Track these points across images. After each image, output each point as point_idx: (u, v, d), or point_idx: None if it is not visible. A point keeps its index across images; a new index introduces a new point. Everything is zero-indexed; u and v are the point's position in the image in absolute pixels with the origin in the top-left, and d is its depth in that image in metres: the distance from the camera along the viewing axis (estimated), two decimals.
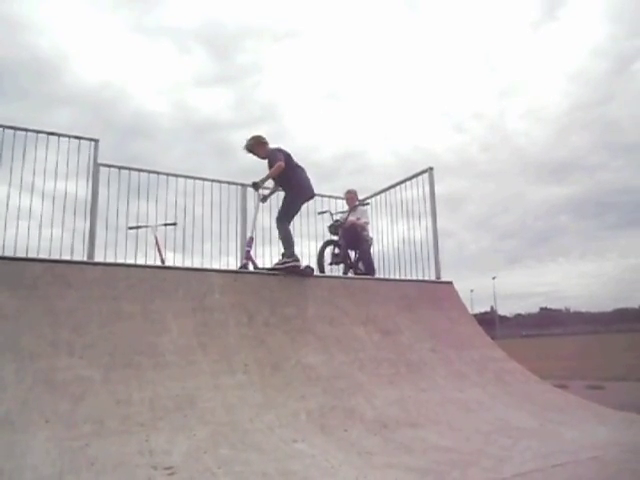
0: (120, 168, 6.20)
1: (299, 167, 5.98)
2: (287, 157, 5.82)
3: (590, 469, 2.96)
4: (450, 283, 6.76)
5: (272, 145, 5.98)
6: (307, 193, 5.97)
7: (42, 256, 4.94)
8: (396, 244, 7.39)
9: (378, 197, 7.80)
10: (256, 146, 5.95)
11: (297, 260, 5.56)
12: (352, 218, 7.07)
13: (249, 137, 5.98)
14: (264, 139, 5.98)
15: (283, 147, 5.95)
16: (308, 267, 5.71)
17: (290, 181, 5.87)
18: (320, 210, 7.35)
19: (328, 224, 7.23)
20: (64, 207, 5.61)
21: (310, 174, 6.05)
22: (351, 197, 7.39)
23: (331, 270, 6.96)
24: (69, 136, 5.76)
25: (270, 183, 6.02)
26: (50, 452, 2.80)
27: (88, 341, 3.86)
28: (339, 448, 3.30)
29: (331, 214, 7.31)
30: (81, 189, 5.80)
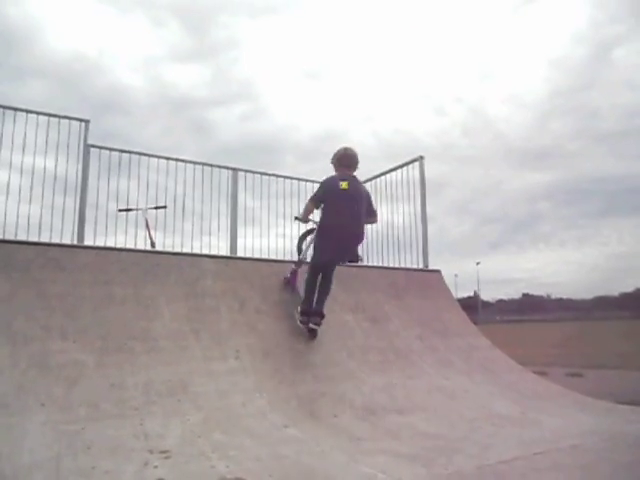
0: (111, 150, 6.15)
1: (337, 202, 4.64)
2: (329, 192, 4.69)
3: (570, 457, 3.07)
4: (438, 272, 6.85)
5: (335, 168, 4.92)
6: (332, 240, 4.64)
7: (33, 239, 4.93)
8: (384, 230, 7.45)
9: (366, 184, 7.85)
10: (333, 165, 4.97)
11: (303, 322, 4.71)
12: None
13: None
14: (333, 159, 4.93)
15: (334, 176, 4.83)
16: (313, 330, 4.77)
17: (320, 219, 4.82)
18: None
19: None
20: (54, 189, 5.57)
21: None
22: None
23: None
24: (59, 116, 5.69)
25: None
26: (46, 435, 2.85)
27: (81, 325, 3.88)
28: (329, 433, 3.39)
29: None
30: (62, 168, 5.72)
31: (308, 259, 5.43)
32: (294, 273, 5.26)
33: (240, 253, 6.41)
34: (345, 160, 4.87)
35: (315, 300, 4.72)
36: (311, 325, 4.68)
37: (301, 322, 4.72)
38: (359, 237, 4.83)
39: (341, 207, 4.61)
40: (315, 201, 4.78)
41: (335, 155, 4.93)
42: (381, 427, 3.61)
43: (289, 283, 5.27)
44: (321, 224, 4.76)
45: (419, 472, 2.71)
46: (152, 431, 3.08)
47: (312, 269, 4.79)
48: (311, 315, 4.67)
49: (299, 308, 4.77)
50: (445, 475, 2.67)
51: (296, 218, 5.12)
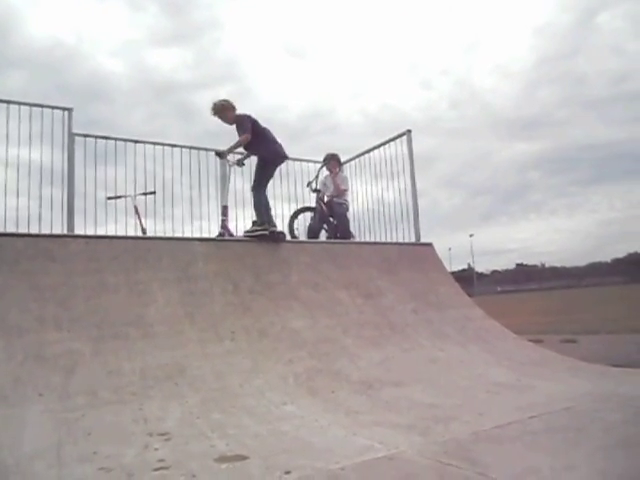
0: (96, 137, 6.09)
1: (267, 132, 5.94)
2: (254, 124, 5.81)
3: (564, 419, 3.13)
4: (430, 245, 6.89)
5: (239, 111, 5.90)
6: (277, 158, 6.00)
7: (22, 230, 4.90)
8: (375, 206, 7.46)
9: (354, 160, 7.85)
10: (223, 111, 5.89)
11: (266, 229, 5.62)
12: (332, 187, 7.13)
13: (216, 101, 5.92)
14: (231, 104, 5.92)
15: (250, 113, 5.91)
16: (281, 233, 5.81)
17: (259, 148, 5.90)
18: (308, 180, 7.34)
19: (312, 187, 7.23)
20: (41, 179, 5.54)
21: (278, 135, 6.05)
22: (333, 165, 7.32)
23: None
24: (41, 105, 5.62)
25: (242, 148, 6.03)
26: (46, 424, 2.87)
27: (75, 315, 3.89)
28: (327, 409, 3.43)
29: (316, 178, 7.29)
30: (47, 158, 5.66)
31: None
32: (225, 225, 5.93)
33: None
34: (232, 104, 5.92)
35: (266, 219, 5.76)
36: (273, 229, 5.64)
37: (270, 231, 5.61)
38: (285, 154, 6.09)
39: (266, 131, 5.89)
40: (249, 133, 5.68)
41: (221, 105, 5.87)
42: (378, 400, 3.65)
43: (226, 229, 5.90)
44: (266, 149, 5.85)
45: (416, 440, 2.75)
46: (151, 415, 3.10)
47: (261, 187, 5.88)
48: (270, 225, 5.71)
49: (259, 226, 5.66)
50: (441, 442, 2.71)
51: (219, 154, 6.01)
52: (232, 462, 2.48)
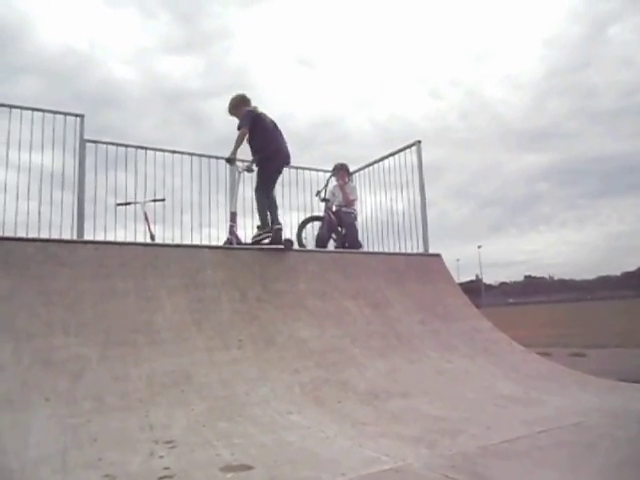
0: (107, 144, 6.15)
1: (270, 130, 5.70)
2: (256, 119, 5.62)
3: (573, 434, 3.09)
4: (438, 255, 6.86)
5: (252, 105, 5.82)
6: (278, 159, 5.76)
7: (32, 235, 4.94)
8: (383, 216, 7.45)
9: (363, 170, 7.86)
10: (234, 109, 5.80)
11: (269, 232, 5.54)
12: (340, 196, 7.14)
13: (230, 98, 5.86)
14: (241, 100, 5.81)
15: (259, 108, 5.78)
16: (288, 241, 5.69)
17: (258, 147, 5.72)
18: (317, 190, 7.36)
19: (321, 196, 7.24)
20: (52, 185, 5.58)
21: (287, 144, 5.89)
22: (342, 175, 7.32)
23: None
24: (54, 112, 5.68)
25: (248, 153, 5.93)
26: (52, 430, 2.87)
27: (83, 320, 3.90)
28: (333, 419, 3.40)
29: (325, 187, 7.31)
30: (58, 163, 5.72)
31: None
32: (233, 231, 5.79)
33: None
34: (245, 98, 5.87)
35: (270, 219, 5.68)
36: (277, 226, 5.56)
37: (275, 229, 5.55)
38: (289, 153, 5.88)
39: (269, 127, 5.69)
40: (247, 126, 5.56)
41: (234, 101, 5.83)
42: (385, 411, 3.62)
43: (234, 235, 5.74)
44: (262, 147, 5.65)
45: (423, 453, 2.73)
46: (157, 422, 3.10)
47: (264, 189, 5.72)
48: (274, 224, 5.62)
49: (260, 231, 5.69)
50: (448, 456, 2.68)
51: (228, 160, 5.80)
52: (237, 472, 2.47)
